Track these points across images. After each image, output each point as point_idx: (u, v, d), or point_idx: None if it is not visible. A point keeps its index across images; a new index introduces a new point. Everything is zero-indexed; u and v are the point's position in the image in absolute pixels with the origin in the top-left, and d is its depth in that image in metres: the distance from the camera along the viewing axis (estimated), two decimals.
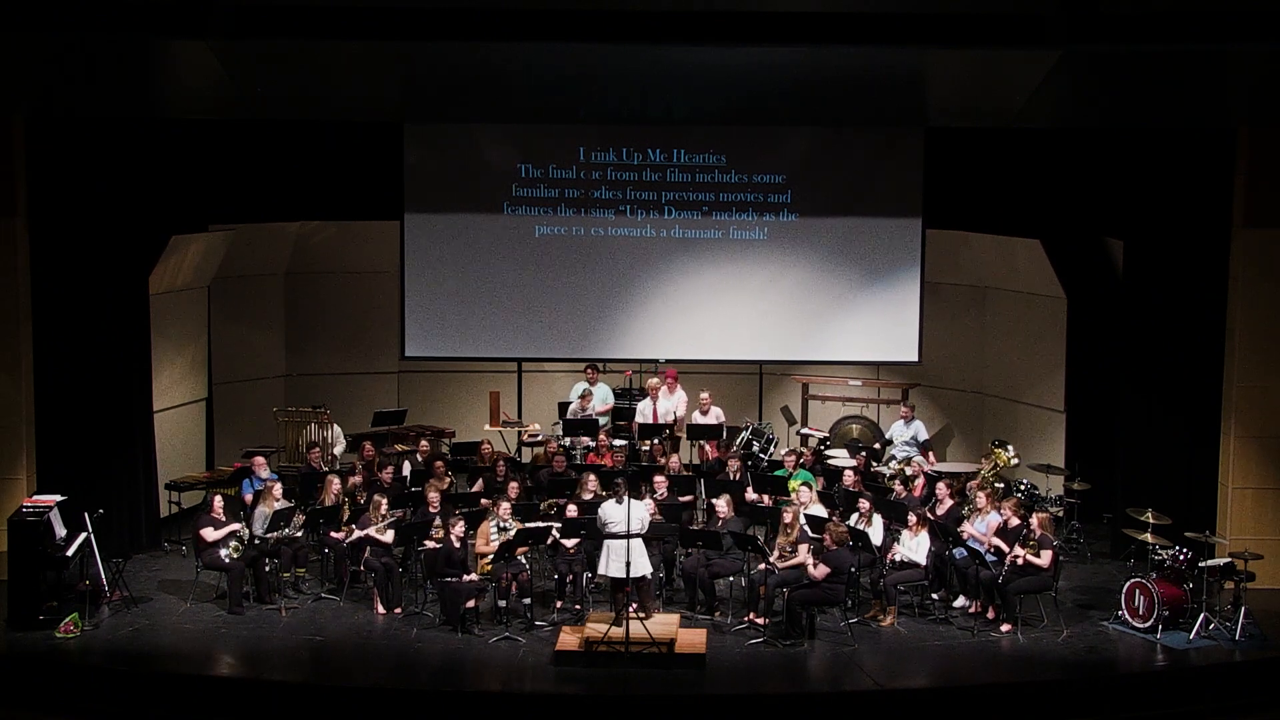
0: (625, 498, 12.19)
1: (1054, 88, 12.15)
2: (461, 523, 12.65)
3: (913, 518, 12.84)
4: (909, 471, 14.45)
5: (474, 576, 12.44)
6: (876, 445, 16.05)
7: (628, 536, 12.04)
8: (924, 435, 15.85)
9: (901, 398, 16.66)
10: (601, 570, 12.33)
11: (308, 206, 15.32)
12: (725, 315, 14.89)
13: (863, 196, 14.62)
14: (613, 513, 12.19)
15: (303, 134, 14.17)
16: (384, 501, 13.17)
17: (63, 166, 13.69)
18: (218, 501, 13.04)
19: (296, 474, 14.56)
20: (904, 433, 15.79)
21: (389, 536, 12.96)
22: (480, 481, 14.26)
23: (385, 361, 17.57)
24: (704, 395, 15.83)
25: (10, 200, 13.43)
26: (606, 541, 12.20)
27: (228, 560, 12.74)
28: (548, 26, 10.81)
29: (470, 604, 12.35)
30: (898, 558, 12.74)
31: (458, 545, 12.54)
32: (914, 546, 12.73)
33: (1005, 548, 12.50)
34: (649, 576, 12.41)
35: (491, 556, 12.38)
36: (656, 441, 15.35)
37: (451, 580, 12.33)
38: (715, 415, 15.77)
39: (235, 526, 12.86)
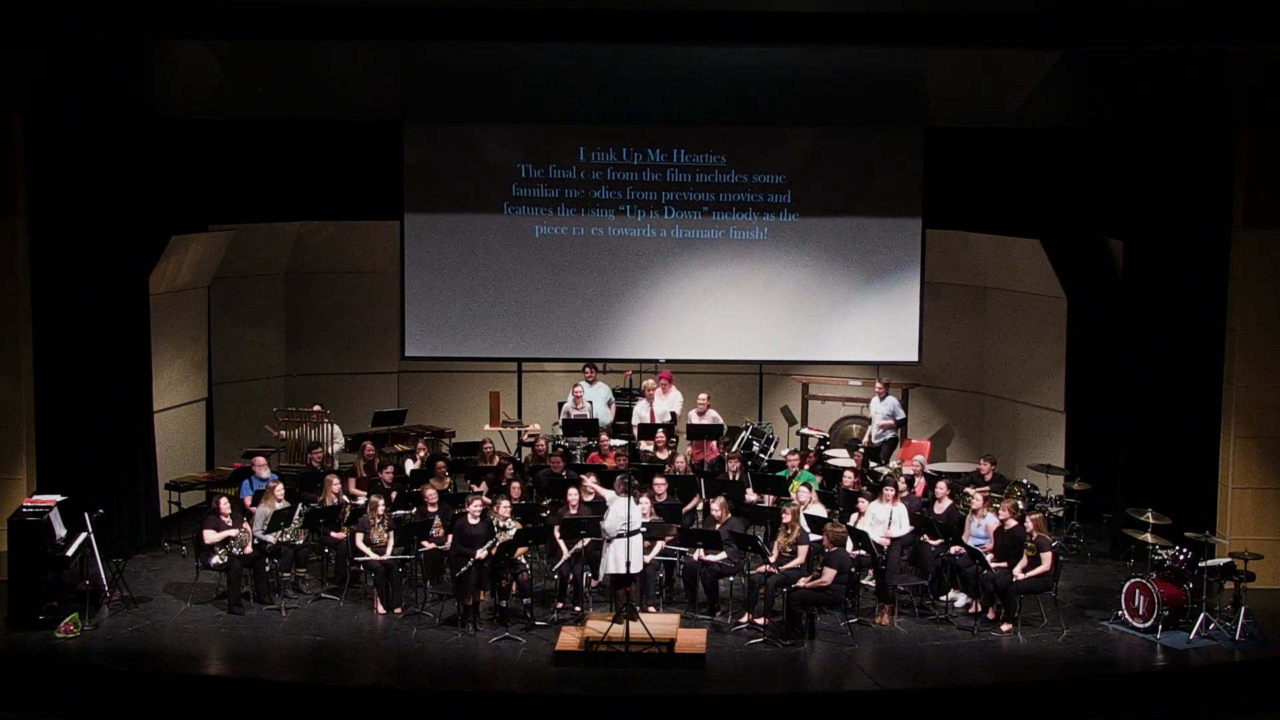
0: (628, 497, 12.20)
1: (1054, 88, 12.14)
2: (477, 501, 12.63)
3: (889, 490, 12.92)
4: (908, 471, 14.45)
5: (482, 554, 12.35)
6: (865, 441, 16.07)
7: (605, 534, 12.07)
8: (900, 413, 16.08)
9: (901, 398, 16.66)
10: (603, 569, 12.32)
11: (308, 206, 15.35)
12: (725, 315, 14.89)
13: (863, 196, 14.62)
14: (620, 512, 12.19)
15: (303, 134, 14.17)
16: (380, 502, 13.16)
17: (63, 166, 13.68)
18: (224, 504, 13.01)
19: (297, 474, 14.56)
20: (881, 409, 15.97)
21: (389, 538, 12.96)
22: (484, 483, 14.24)
23: (385, 361, 17.56)
24: (701, 397, 15.80)
25: (10, 200, 13.42)
26: (608, 541, 12.22)
27: (216, 566, 12.76)
28: (547, 26, 10.79)
29: (470, 602, 12.34)
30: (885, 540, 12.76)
31: (475, 522, 12.52)
32: (888, 518, 12.79)
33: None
34: (639, 572, 12.39)
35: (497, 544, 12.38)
36: (659, 434, 15.28)
37: (466, 565, 12.25)
38: (711, 417, 15.67)
39: (234, 532, 12.84)
